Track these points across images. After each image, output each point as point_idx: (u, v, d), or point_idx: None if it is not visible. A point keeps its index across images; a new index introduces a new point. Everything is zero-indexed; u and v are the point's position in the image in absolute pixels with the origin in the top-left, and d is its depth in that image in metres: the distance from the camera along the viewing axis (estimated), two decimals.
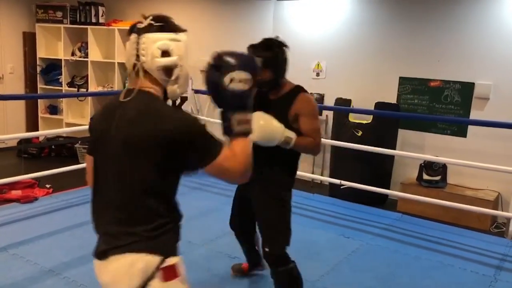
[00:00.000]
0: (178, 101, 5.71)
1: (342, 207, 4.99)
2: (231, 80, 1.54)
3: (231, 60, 1.56)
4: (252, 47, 2.49)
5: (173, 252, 1.56)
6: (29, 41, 6.98)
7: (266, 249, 2.66)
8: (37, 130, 6.97)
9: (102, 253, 1.56)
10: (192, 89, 5.90)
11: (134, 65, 1.57)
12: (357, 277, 3.47)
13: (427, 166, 4.98)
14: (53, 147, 6.61)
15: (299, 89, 2.62)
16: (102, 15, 6.63)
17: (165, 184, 1.56)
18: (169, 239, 1.56)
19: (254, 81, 1.58)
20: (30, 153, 6.43)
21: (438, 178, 4.93)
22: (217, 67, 1.57)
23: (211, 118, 5.30)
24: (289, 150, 2.50)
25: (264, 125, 2.39)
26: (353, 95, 5.42)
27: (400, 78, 5.28)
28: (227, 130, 1.57)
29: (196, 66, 6.90)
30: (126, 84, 6.61)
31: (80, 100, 6.91)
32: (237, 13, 6.14)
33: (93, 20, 6.61)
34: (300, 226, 4.35)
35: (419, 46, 5.15)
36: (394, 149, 5.12)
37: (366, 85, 5.48)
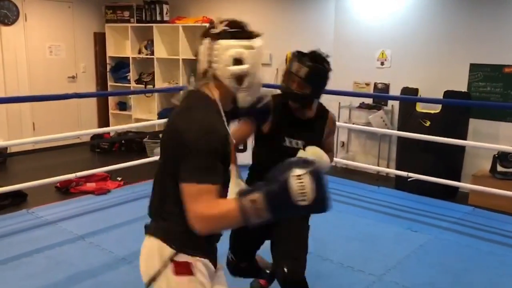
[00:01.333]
0: None
1: (409, 200, 4.84)
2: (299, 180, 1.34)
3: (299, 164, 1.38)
4: (302, 56, 2.27)
5: (192, 252, 1.55)
6: (100, 41, 7.34)
7: (285, 269, 2.20)
8: (108, 126, 7.32)
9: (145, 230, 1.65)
10: None
11: (205, 70, 1.54)
12: (426, 272, 3.36)
13: (501, 157, 4.72)
14: (123, 141, 6.93)
15: (326, 109, 2.49)
16: (166, 13, 6.83)
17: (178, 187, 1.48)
18: (188, 238, 1.50)
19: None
20: (102, 148, 6.78)
21: None
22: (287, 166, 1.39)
23: None
24: None
25: (323, 162, 2.18)
26: (420, 84, 5.22)
27: (471, 65, 5.02)
28: (240, 193, 1.40)
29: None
30: (191, 80, 6.77)
31: (147, 96, 7.18)
32: (299, 4, 6.09)
33: (158, 18, 6.83)
34: (364, 219, 4.29)
35: (491, 30, 4.86)
36: (465, 139, 4.89)
37: (434, 73, 5.26)
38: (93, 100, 7.45)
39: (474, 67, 5.01)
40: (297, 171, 1.33)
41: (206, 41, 1.52)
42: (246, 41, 1.51)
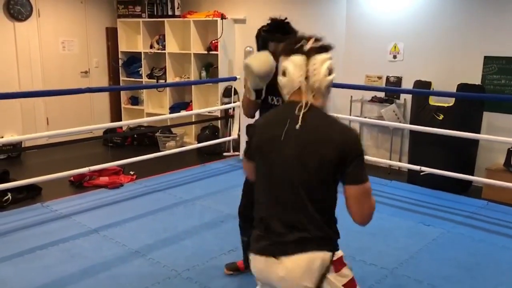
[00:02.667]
0: None
1: (421, 194, 4.81)
2: None
3: None
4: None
5: (338, 245, 1.71)
6: (112, 36, 7.38)
7: None
8: (120, 120, 7.36)
9: (271, 252, 1.67)
10: None
11: (303, 84, 1.65)
12: (439, 266, 3.34)
13: None
14: (135, 136, 6.98)
15: None
16: (177, 8, 6.84)
17: (330, 193, 1.66)
18: (334, 234, 1.69)
19: None
20: (115, 142, 6.83)
21: None
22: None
23: None
24: None
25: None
26: (433, 77, 5.17)
27: (485, 57, 4.95)
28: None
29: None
30: (202, 74, 6.79)
31: (159, 91, 7.21)
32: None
33: (169, 13, 6.84)
34: (376, 213, 4.21)
35: (505, 22, 4.79)
36: (479, 133, 4.83)
37: (447, 67, 5.20)
38: (106, 95, 7.51)
39: (488, 60, 4.94)
40: None
41: (300, 57, 1.65)
42: (330, 53, 1.69)
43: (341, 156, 1.58)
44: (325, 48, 1.67)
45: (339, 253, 1.69)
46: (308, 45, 1.64)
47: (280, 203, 1.67)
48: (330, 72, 1.66)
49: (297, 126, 1.62)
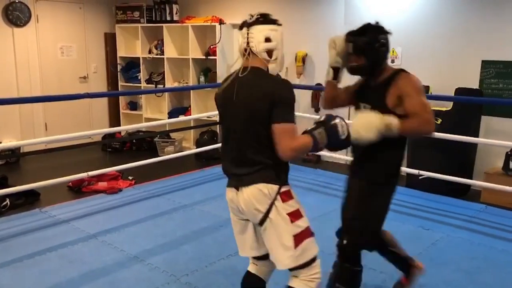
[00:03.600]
0: None
1: (420, 198, 4.81)
2: (339, 126, 2.14)
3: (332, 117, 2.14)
4: (348, 34, 2.46)
5: (286, 182, 2.12)
6: (110, 41, 7.40)
7: (344, 241, 2.52)
8: (119, 125, 7.37)
9: (235, 187, 2.12)
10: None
11: (245, 50, 2.08)
12: (439, 270, 3.34)
13: None
14: (134, 141, 6.97)
15: (399, 71, 2.45)
16: (176, 13, 6.86)
17: (268, 134, 2.00)
18: (282, 172, 2.10)
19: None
20: (114, 147, 6.83)
21: None
22: (328, 119, 2.15)
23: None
24: (392, 143, 2.35)
25: (359, 122, 2.27)
26: (431, 81, 5.18)
27: (483, 61, 4.97)
28: (310, 129, 2.10)
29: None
30: (201, 79, 6.81)
31: (157, 96, 7.22)
32: (307, 2, 6.08)
33: (168, 18, 6.86)
34: None
35: (503, 26, 4.81)
36: (477, 136, 4.85)
37: (445, 71, 5.22)
38: (104, 100, 7.51)
39: (486, 64, 4.96)
40: (338, 120, 2.15)
41: (244, 29, 2.08)
42: (273, 25, 2.08)
43: (271, 102, 1.97)
44: (266, 21, 2.07)
45: (286, 187, 2.10)
46: (252, 19, 2.06)
47: (235, 149, 2.11)
48: (267, 39, 2.05)
49: (240, 86, 2.06)
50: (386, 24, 2.55)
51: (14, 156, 6.11)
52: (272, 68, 2.10)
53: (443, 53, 5.22)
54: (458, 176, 4.54)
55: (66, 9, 6.91)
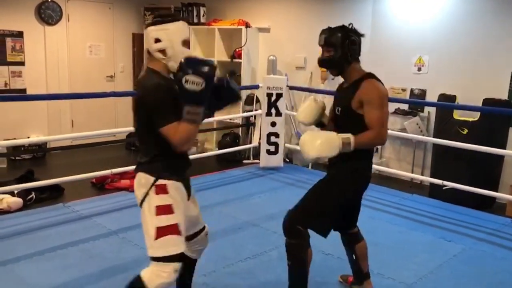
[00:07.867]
0: (273, 98, 5.78)
1: (443, 209, 4.73)
2: (186, 81, 2.00)
3: (188, 65, 2.02)
4: (323, 29, 2.69)
5: (168, 177, 2.22)
6: (138, 41, 7.50)
7: (286, 216, 2.65)
8: None
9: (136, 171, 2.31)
10: (287, 86, 5.94)
11: (147, 51, 2.22)
12: (460, 283, 3.27)
13: None
14: None
15: (366, 76, 2.58)
16: (203, 15, 6.92)
17: (153, 133, 2.13)
18: (162, 167, 2.22)
19: (208, 83, 2.03)
20: (137, 146, 6.89)
21: None
22: (181, 70, 2.04)
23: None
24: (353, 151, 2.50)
25: (322, 142, 2.46)
26: (459, 91, 5.10)
27: None
28: (182, 116, 2.08)
29: (292, 63, 6.93)
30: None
31: None
32: (334, 10, 6.04)
33: (195, 20, 6.92)
34: (397, 226, 4.22)
35: None
36: (504, 148, 4.74)
37: (473, 81, 5.13)
38: (130, 99, 7.49)
39: None
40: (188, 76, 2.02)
41: (144, 32, 2.23)
42: (162, 25, 2.16)
43: (142, 108, 2.15)
44: (155, 22, 2.17)
45: (163, 182, 2.20)
46: (148, 20, 2.22)
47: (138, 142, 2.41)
48: (157, 40, 2.15)
49: (137, 87, 2.28)
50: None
51: (40, 151, 6.25)
52: (171, 66, 2.18)
53: (471, 62, 5.13)
54: (483, 188, 4.44)
55: (96, 8, 7.05)
